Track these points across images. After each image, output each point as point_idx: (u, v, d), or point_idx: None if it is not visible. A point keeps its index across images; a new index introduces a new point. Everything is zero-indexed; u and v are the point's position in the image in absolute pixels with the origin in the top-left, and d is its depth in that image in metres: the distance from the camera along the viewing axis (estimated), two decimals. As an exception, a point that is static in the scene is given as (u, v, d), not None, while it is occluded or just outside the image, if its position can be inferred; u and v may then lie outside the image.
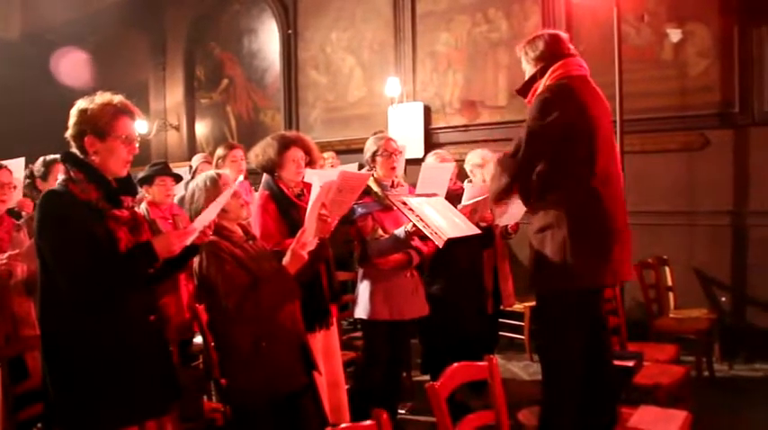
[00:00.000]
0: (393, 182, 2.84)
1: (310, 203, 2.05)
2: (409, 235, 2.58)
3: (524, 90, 2.22)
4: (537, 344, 2.37)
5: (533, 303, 3.99)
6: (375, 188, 2.75)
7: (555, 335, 2.15)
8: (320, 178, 2.11)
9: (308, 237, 1.99)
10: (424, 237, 2.75)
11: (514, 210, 2.86)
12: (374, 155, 2.83)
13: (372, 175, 2.78)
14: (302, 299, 2.11)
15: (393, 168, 2.81)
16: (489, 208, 2.98)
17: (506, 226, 3.37)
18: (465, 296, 3.18)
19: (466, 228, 2.52)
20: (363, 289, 2.74)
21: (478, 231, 2.57)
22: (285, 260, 1.97)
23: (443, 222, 2.43)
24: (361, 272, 2.80)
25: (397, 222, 2.71)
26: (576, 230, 2.09)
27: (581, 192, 2.09)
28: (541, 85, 2.14)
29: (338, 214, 2.19)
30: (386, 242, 2.66)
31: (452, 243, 2.34)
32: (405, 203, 2.44)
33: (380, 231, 2.71)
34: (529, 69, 2.20)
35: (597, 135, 2.10)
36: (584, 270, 2.07)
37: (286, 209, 2.46)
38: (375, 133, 3.05)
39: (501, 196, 2.20)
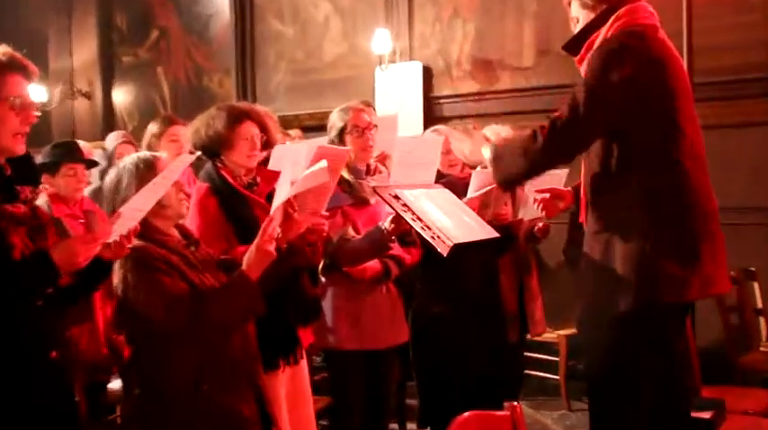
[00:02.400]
0: (369, 166, 2.91)
1: (285, 187, 2.10)
2: (388, 235, 2.64)
3: (575, 44, 2.25)
4: (587, 385, 2.39)
5: (571, 331, 4.07)
6: (346, 175, 2.82)
7: (612, 373, 2.16)
8: (293, 154, 2.19)
9: (278, 228, 2.04)
10: (406, 242, 2.84)
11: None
12: (341, 132, 2.89)
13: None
14: (263, 322, 2.15)
15: (368, 149, 2.89)
16: (505, 200, 3.05)
17: (532, 227, 3.42)
18: (478, 321, 3.21)
19: (479, 230, 2.55)
20: (326, 309, 2.80)
21: (495, 234, 2.61)
22: (246, 261, 2.01)
23: (448, 222, 2.47)
24: (325, 285, 2.85)
25: (373, 220, 2.78)
26: (660, 225, 2.12)
27: (668, 175, 2.13)
28: (601, 36, 2.16)
29: (314, 207, 2.25)
30: (360, 244, 2.72)
31: (459, 249, 2.38)
32: (397, 197, 2.46)
33: (351, 231, 2.77)
34: (583, 16, 2.23)
35: (682, 100, 2.14)
36: (664, 279, 2.10)
37: (232, 205, 2.50)
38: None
39: (516, 180, 2.27)
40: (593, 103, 2.10)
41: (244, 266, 2.00)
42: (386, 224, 2.64)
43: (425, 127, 4.79)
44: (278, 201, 2.08)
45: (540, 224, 3.46)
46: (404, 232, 2.71)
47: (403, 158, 2.61)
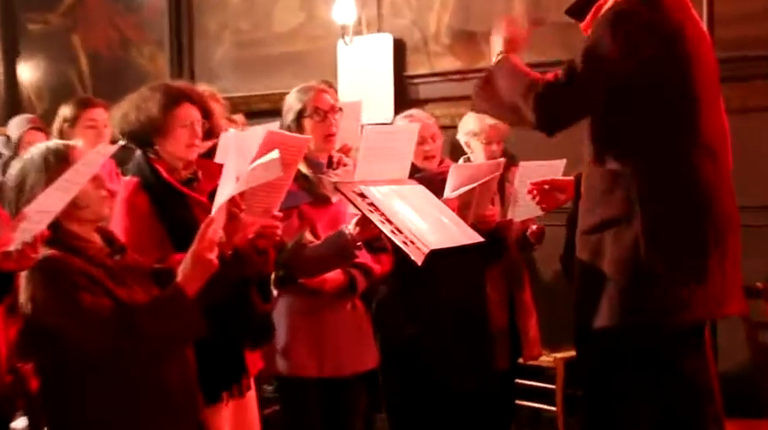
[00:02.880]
0: (332, 158, 2.96)
1: (229, 182, 2.11)
2: (353, 240, 2.68)
3: (581, 9, 2.29)
4: (581, 418, 2.45)
5: (570, 353, 4.13)
6: (303, 169, 2.85)
7: (614, 407, 2.19)
8: (240, 143, 2.21)
9: (220, 232, 2.06)
10: (375, 249, 2.90)
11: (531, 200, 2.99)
12: (299, 117, 2.92)
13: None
14: (203, 345, 2.17)
15: (330, 137, 2.93)
16: (491, 198, 3.15)
17: (525, 231, 3.50)
18: (460, 343, 3.25)
19: (460, 234, 2.59)
20: (279, 329, 2.83)
21: (479, 239, 2.65)
22: (182, 272, 2.02)
23: (423, 224, 2.51)
24: (279, 300, 2.87)
25: (336, 223, 2.83)
26: (659, 226, 2.13)
27: (674, 167, 2.14)
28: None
29: (265, 206, 2.28)
30: (320, 250, 2.76)
31: (437, 257, 2.42)
32: (362, 195, 2.50)
33: (309, 236, 2.80)
34: None
35: (702, 79, 2.16)
36: (670, 294, 2.10)
37: (167, 205, 2.50)
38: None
39: (487, 111, 2.40)
40: (592, 72, 2.11)
41: (179, 278, 2.01)
42: (350, 227, 2.66)
43: (397, 111, 4.78)
44: (221, 198, 2.08)
45: (534, 227, 3.56)
46: (372, 237, 2.74)
47: (371, 150, 2.63)
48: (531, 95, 2.17)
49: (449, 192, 3.00)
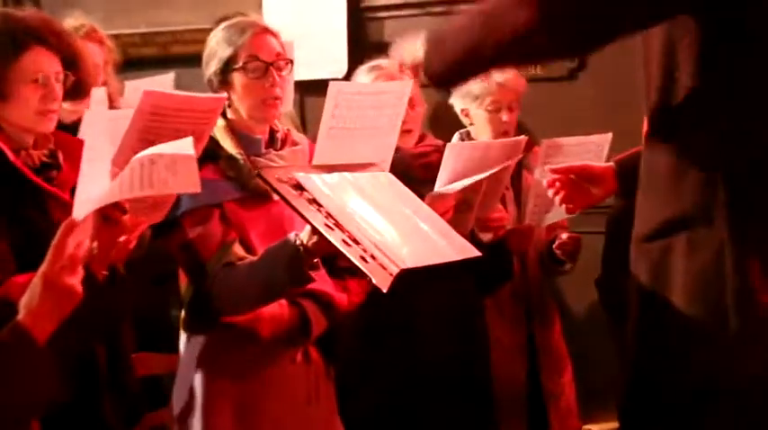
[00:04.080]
0: (275, 133, 3.05)
1: (99, 172, 2.13)
2: (306, 255, 2.69)
3: None
4: None
5: (614, 424, 4.20)
6: (229, 148, 2.94)
7: None
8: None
9: (87, 243, 2.07)
10: (341, 270, 2.98)
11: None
12: (226, 68, 2.98)
13: (224, 113, 2.97)
14: (54, 418, 2.21)
15: (272, 101, 2.98)
16: (500, 193, 3.25)
17: (550, 242, 3.65)
18: (451, 415, 3.33)
19: (447, 247, 2.66)
20: (197, 388, 2.90)
21: (475, 253, 2.70)
22: (25, 305, 2.00)
23: (391, 231, 2.57)
24: (189, 347, 2.96)
25: (279, 229, 2.89)
26: (755, 229, 2.11)
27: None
28: None
29: (157, 199, 2.35)
30: (255, 271, 2.81)
31: (415, 282, 2.49)
32: (300, 187, 2.57)
33: (239, 249, 2.87)
34: None
35: None
36: (755, 317, 2.07)
37: (6, 202, 2.53)
38: (225, 20, 3.16)
39: (457, 66, 2.30)
40: None
41: (22, 315, 1.99)
42: (302, 235, 2.69)
43: (353, 58, 4.86)
44: (84, 194, 2.09)
45: (565, 236, 3.68)
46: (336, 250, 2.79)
47: (338, 120, 2.71)
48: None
49: (442, 184, 3.06)
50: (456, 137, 3.79)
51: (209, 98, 2.55)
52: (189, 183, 2.06)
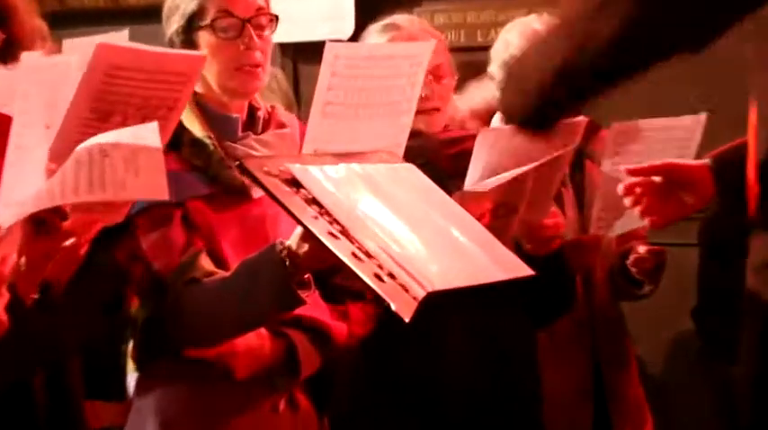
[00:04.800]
0: (254, 110, 3.10)
1: (30, 161, 2.14)
2: (293, 269, 2.70)
3: None
4: None
5: None
6: (196, 130, 2.97)
7: None
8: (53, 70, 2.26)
9: (13, 257, 2.09)
10: (341, 292, 3.01)
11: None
12: (190, 25, 3.02)
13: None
14: None
15: (252, 71, 3.01)
16: (553, 192, 3.23)
17: (623, 256, 3.66)
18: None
19: (488, 263, 2.65)
20: None
21: (527, 272, 2.71)
22: None
23: (415, 242, 2.56)
24: (141, 390, 3.01)
25: (259, 236, 2.93)
26: None
27: None
28: None
29: (113, 206, 2.36)
30: (229, 290, 2.82)
31: (444, 308, 2.52)
32: (295, 183, 2.55)
33: (207, 262, 2.90)
34: None
35: None
36: None
37: None
38: None
39: (537, 98, 2.32)
40: None
41: None
42: (291, 243, 2.70)
43: (363, 13, 4.84)
44: (11, 193, 2.08)
45: (642, 249, 3.68)
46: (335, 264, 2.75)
47: (336, 94, 2.71)
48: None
49: (474, 181, 3.06)
50: (496, 120, 3.71)
51: (186, 55, 2.56)
52: (153, 186, 2.06)
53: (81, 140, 2.12)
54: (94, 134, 2.15)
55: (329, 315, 2.98)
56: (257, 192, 2.89)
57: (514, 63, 2.44)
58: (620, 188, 2.86)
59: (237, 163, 2.63)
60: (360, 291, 2.95)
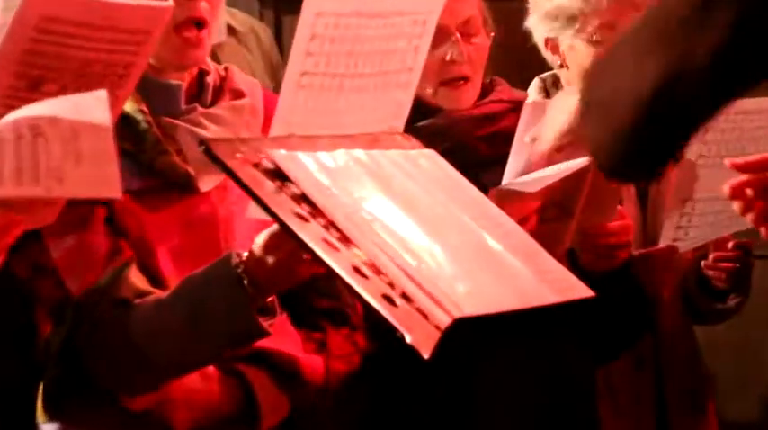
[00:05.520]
0: (203, 75, 3.14)
1: None
2: (258, 290, 2.72)
3: None
4: None
5: None
6: (128, 106, 2.94)
7: None
8: None
9: None
10: (318, 314, 2.98)
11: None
12: None
13: None
14: None
15: (194, 33, 3.03)
16: (620, 192, 3.24)
17: (698, 263, 3.70)
18: None
19: (534, 283, 2.66)
20: None
21: (586, 294, 2.70)
22: None
23: (440, 254, 2.57)
24: None
25: (204, 243, 2.98)
26: None
27: None
28: None
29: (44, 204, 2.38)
30: (158, 319, 2.86)
31: (476, 340, 2.58)
32: (279, 175, 2.54)
33: (138, 278, 2.92)
34: None
35: None
36: None
37: None
38: None
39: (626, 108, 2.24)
40: None
41: None
42: (252, 253, 2.73)
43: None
44: None
45: (727, 259, 3.70)
46: (318, 278, 2.81)
47: (316, 61, 2.69)
48: None
49: (516, 174, 3.06)
50: (533, 87, 3.81)
51: (145, 7, 2.53)
52: (100, 180, 2.06)
53: (4, 114, 2.11)
54: (22, 106, 2.13)
55: (300, 346, 2.98)
56: (205, 185, 2.92)
57: (594, 80, 2.39)
58: (726, 188, 2.78)
59: (202, 146, 2.59)
60: (343, 314, 2.99)
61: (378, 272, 2.45)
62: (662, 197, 3.47)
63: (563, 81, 3.86)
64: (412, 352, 2.34)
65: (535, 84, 3.93)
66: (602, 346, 3.30)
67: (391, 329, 2.37)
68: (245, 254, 2.69)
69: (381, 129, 2.79)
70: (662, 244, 3.48)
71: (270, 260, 2.65)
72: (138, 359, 2.82)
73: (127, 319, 2.82)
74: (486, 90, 3.50)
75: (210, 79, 3.05)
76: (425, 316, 2.39)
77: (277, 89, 2.88)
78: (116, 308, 2.81)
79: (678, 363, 3.74)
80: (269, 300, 2.74)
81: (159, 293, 2.83)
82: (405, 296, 2.42)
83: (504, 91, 3.54)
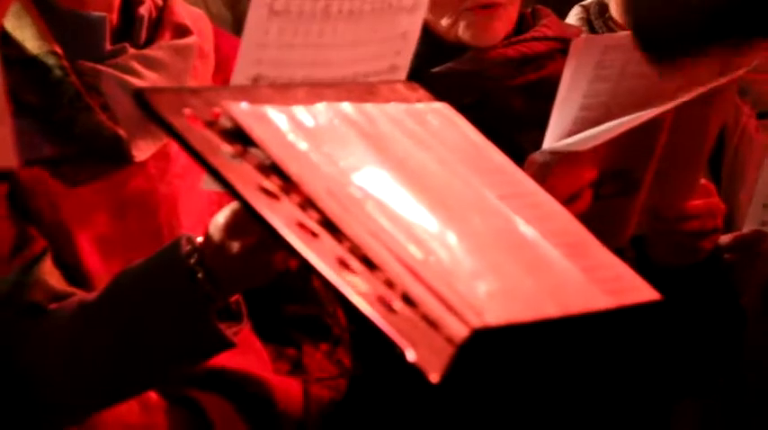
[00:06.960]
0: (135, 6, 2.97)
1: None
2: (217, 289, 2.50)
3: None
4: None
5: None
6: (31, 44, 2.83)
7: None
8: None
9: None
10: (296, 322, 2.90)
11: None
12: None
13: None
14: None
15: None
16: (705, 157, 2.96)
17: None
18: None
19: (582, 282, 2.36)
20: None
21: (654, 297, 2.41)
22: None
23: (456, 243, 2.27)
24: None
25: (142, 230, 2.83)
26: None
27: None
28: None
29: None
30: (83, 329, 2.66)
31: (507, 355, 2.27)
32: (239, 136, 2.30)
33: (54, 275, 2.76)
34: None
35: None
36: None
37: None
38: None
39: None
40: None
41: None
42: (207, 238, 2.53)
43: None
44: None
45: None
46: (288, 275, 2.62)
47: None
48: None
49: (562, 134, 2.88)
50: (573, 17, 3.60)
51: None
52: None
53: None
54: None
55: (269, 366, 2.83)
56: (141, 152, 2.75)
57: None
58: None
59: (137, 99, 2.29)
60: (321, 323, 2.95)
61: (370, 266, 2.14)
62: (741, 166, 3.27)
63: (612, 10, 3.67)
64: (416, 373, 2.04)
65: (575, 13, 3.77)
66: (676, 376, 3.04)
67: (388, 343, 2.07)
68: (200, 239, 2.42)
69: (380, 68, 2.50)
70: (745, 229, 3.24)
71: (234, 247, 2.40)
72: (54, 384, 2.62)
73: (39, 331, 2.60)
74: (525, 23, 3.26)
75: (144, 10, 2.84)
76: (434, 325, 2.07)
77: (237, 23, 2.68)
78: (24, 316, 2.59)
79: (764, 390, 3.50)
80: (232, 300, 2.49)
81: (83, 295, 2.60)
82: (407, 299, 2.11)
83: (550, 24, 3.27)
